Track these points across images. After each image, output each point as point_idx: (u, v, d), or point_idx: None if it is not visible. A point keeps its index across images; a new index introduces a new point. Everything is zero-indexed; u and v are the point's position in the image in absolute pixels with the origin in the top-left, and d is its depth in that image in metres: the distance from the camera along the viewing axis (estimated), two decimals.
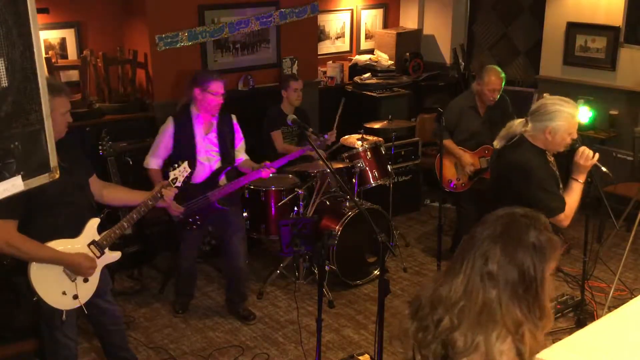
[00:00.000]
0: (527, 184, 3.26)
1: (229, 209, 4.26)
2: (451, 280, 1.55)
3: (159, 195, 3.29)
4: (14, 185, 1.38)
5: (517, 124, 3.42)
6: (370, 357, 3.90)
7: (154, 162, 4.20)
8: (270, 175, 4.26)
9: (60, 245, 2.99)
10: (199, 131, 4.14)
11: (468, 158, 4.93)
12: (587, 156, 3.30)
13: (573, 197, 3.32)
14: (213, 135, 4.18)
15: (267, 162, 4.18)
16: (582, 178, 3.33)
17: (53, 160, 1.47)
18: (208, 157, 4.16)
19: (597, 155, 3.32)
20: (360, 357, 3.91)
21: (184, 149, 4.09)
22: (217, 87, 4.04)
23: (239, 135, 4.35)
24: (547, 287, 1.53)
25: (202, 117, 4.14)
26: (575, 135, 3.33)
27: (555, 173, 3.39)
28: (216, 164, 4.18)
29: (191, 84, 4.14)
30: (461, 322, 1.49)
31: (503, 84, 4.85)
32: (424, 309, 1.57)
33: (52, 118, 2.94)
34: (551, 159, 3.43)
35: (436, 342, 1.52)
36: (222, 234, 4.40)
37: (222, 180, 4.20)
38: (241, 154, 4.36)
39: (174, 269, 5.11)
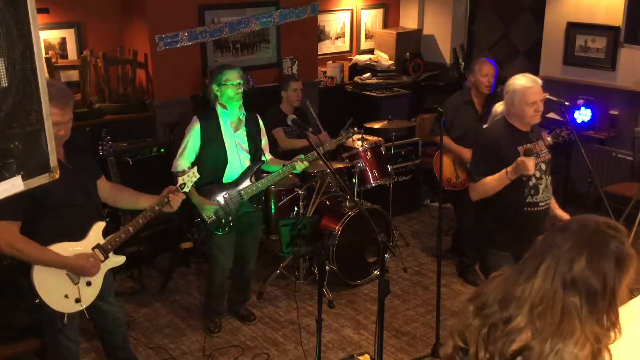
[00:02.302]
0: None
1: (260, 207, 4.24)
2: (526, 281, 1.56)
3: (166, 200, 3.24)
4: (14, 185, 1.38)
5: (498, 105, 3.67)
6: (370, 357, 3.90)
7: (182, 165, 4.00)
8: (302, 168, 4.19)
9: (64, 248, 2.97)
10: (227, 129, 4.06)
11: (468, 154, 4.93)
12: (526, 166, 3.30)
13: (490, 180, 3.44)
14: (242, 134, 4.11)
15: (302, 155, 4.13)
16: (511, 174, 3.37)
17: (53, 160, 1.47)
18: (238, 155, 4.08)
19: (532, 166, 3.34)
20: (360, 357, 3.92)
21: (213, 148, 4.02)
22: (232, 76, 3.97)
23: (264, 133, 4.30)
24: (619, 298, 1.56)
25: (229, 114, 4.05)
26: (539, 108, 3.43)
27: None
28: (246, 162, 4.12)
29: (209, 83, 4.10)
30: (542, 328, 1.51)
31: (495, 71, 4.88)
32: (491, 307, 1.59)
33: None
34: (538, 146, 3.51)
35: (503, 340, 1.55)
36: (242, 235, 4.30)
37: (252, 178, 4.14)
38: (266, 153, 4.29)
39: (173, 272, 5.11)
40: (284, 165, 4.14)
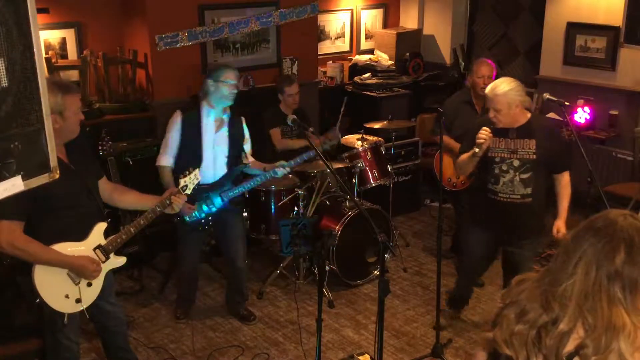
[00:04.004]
0: None
1: (238, 208, 4.28)
2: (566, 280, 1.58)
3: (168, 202, 3.26)
4: (14, 185, 1.38)
5: None
6: (370, 357, 3.90)
7: (165, 160, 4.07)
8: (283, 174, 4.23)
9: (65, 248, 2.97)
10: (208, 127, 4.08)
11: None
12: (478, 135, 3.69)
13: (464, 156, 3.87)
14: (224, 134, 4.13)
15: (283, 162, 4.17)
16: (477, 152, 3.72)
17: (53, 160, 1.47)
18: (215, 155, 4.10)
19: (484, 135, 3.68)
20: (360, 357, 3.92)
21: (190, 143, 4.04)
22: (230, 76, 4.02)
23: (248, 138, 4.32)
24: None
25: (213, 112, 4.08)
26: (494, 115, 3.71)
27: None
28: (222, 164, 4.13)
29: (206, 77, 4.12)
30: (594, 324, 1.52)
31: (494, 73, 4.87)
32: (534, 310, 1.61)
33: (66, 117, 2.96)
34: (516, 143, 3.76)
35: (556, 342, 1.56)
36: (222, 235, 4.37)
37: (232, 182, 4.17)
38: (249, 156, 4.32)
39: (173, 272, 5.11)
40: (264, 169, 4.18)
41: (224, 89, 4.01)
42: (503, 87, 3.67)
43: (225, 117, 4.13)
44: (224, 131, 4.13)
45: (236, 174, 4.19)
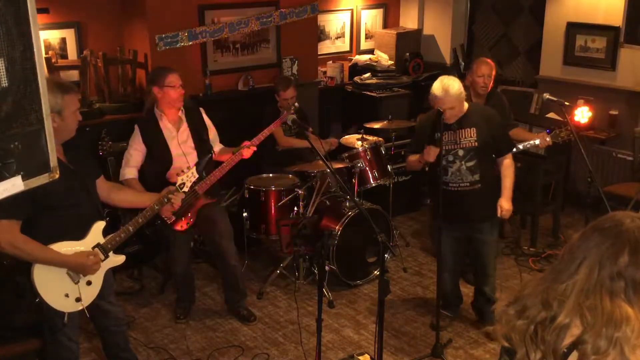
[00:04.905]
0: None
1: (215, 200, 4.27)
2: (568, 279, 1.60)
3: (166, 200, 3.29)
4: (14, 185, 1.38)
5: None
6: (370, 357, 3.90)
7: (129, 172, 4.12)
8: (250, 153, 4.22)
9: (64, 247, 2.98)
10: (168, 129, 4.12)
11: None
12: (427, 152, 3.87)
13: (413, 158, 4.10)
14: (184, 130, 4.16)
15: (247, 142, 4.17)
16: (421, 157, 3.95)
17: (53, 160, 1.47)
18: (184, 152, 4.13)
19: (433, 155, 3.87)
20: (360, 357, 3.91)
21: (157, 150, 4.09)
22: (174, 79, 4.05)
23: (211, 125, 4.35)
24: None
25: (168, 115, 4.13)
26: (447, 114, 3.87)
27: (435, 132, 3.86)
28: (193, 158, 4.14)
29: (149, 85, 4.17)
30: (593, 321, 1.53)
31: (493, 72, 4.86)
32: (534, 307, 1.63)
33: (64, 116, 2.98)
34: (457, 134, 3.95)
35: (554, 337, 1.57)
36: (208, 235, 4.37)
37: (203, 172, 4.17)
38: (216, 144, 4.35)
39: (170, 272, 5.13)
40: (233, 152, 4.18)
41: (172, 92, 4.05)
42: (454, 86, 3.91)
43: (182, 114, 4.17)
44: (185, 127, 4.17)
45: (206, 163, 4.17)
